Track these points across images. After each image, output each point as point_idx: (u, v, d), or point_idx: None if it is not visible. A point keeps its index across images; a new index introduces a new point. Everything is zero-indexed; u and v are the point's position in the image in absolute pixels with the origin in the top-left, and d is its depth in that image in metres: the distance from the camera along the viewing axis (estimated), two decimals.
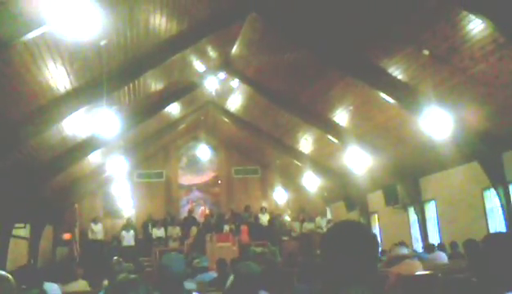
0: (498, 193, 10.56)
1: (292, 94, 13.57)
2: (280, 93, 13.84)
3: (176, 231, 17.61)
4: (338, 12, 9.36)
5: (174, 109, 15.45)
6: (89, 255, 15.47)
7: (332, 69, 11.24)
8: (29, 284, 4.79)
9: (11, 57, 7.03)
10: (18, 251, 12.13)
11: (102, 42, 8.08)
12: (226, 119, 17.46)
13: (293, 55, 11.57)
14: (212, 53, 12.88)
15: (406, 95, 10.36)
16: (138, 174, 19.59)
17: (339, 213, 18.55)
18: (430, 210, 13.77)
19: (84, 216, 17.58)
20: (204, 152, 20.02)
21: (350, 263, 1.61)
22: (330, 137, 14.33)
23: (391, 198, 14.76)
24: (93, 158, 13.97)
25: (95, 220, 16.99)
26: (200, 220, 17.84)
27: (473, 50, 8.25)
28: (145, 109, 13.30)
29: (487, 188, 11.10)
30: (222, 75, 14.04)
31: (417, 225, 14.12)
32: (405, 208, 14.72)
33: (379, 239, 16.32)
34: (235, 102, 16.14)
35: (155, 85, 12.21)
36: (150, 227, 17.79)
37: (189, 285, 5.08)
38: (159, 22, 9.11)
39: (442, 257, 9.90)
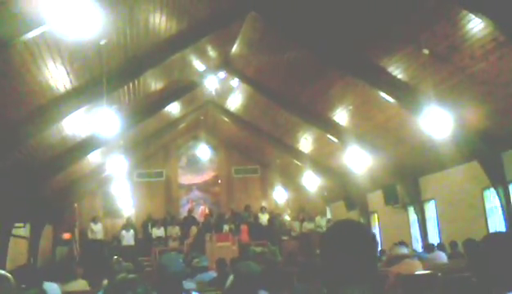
0: (498, 193, 10.55)
1: (292, 93, 13.58)
2: (280, 92, 13.84)
3: (175, 231, 17.62)
4: (338, 12, 9.36)
5: (174, 109, 15.45)
6: (89, 254, 15.45)
7: (332, 68, 11.24)
8: (29, 283, 4.78)
9: (11, 57, 7.02)
10: (18, 250, 12.13)
11: (102, 42, 8.08)
12: (226, 119, 17.46)
13: (293, 54, 11.57)
14: (212, 52, 12.88)
15: (406, 94, 10.36)
16: (138, 173, 19.59)
17: (338, 213, 18.55)
18: (430, 209, 13.77)
19: (84, 216, 17.58)
20: (203, 151, 20.03)
21: (349, 262, 1.61)
22: (329, 137, 14.33)
23: (391, 198, 14.77)
24: (93, 158, 13.96)
25: (94, 220, 16.99)
26: (200, 219, 17.84)
27: (473, 49, 8.25)
28: (145, 109, 13.30)
29: (487, 187, 11.10)
30: (221, 74, 14.05)
31: (417, 225, 14.12)
32: (405, 208, 14.72)
33: (378, 239, 16.34)
34: (235, 101, 16.14)
35: (155, 84, 12.21)
36: (149, 227, 17.81)
37: (188, 284, 5.08)
38: (159, 21, 9.10)
39: (442, 257, 9.91)
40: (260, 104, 15.25)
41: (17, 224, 11.64)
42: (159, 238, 17.35)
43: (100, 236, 16.88)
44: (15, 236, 11.61)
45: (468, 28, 7.87)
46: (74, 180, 14.73)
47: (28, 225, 12.74)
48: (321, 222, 17.97)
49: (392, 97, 10.72)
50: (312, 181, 17.07)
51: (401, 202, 14.55)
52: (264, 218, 18.49)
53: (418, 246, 13.64)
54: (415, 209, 14.12)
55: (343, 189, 17.37)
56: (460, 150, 11.05)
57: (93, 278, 7.83)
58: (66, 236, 16.09)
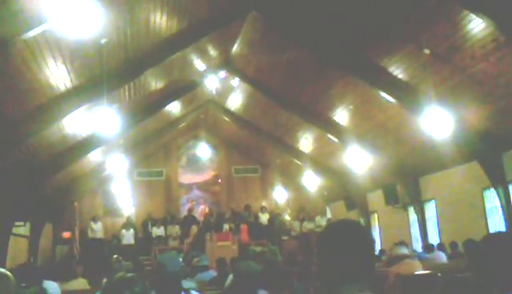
0: (498, 193, 10.56)
1: (292, 93, 13.58)
2: (280, 92, 13.84)
3: (176, 230, 17.63)
4: (338, 11, 9.35)
5: (174, 108, 15.46)
6: (89, 253, 15.46)
7: (332, 68, 11.24)
8: (29, 282, 4.79)
9: (12, 55, 7.02)
10: (18, 249, 12.13)
11: (103, 41, 8.08)
12: (226, 118, 17.46)
13: (293, 54, 11.57)
14: (212, 52, 12.88)
15: (407, 94, 10.35)
16: (138, 172, 19.59)
17: (338, 212, 18.56)
18: (430, 209, 13.77)
19: (84, 215, 17.58)
20: (204, 151, 20.03)
21: (346, 262, 1.61)
22: (330, 136, 14.33)
23: (391, 198, 14.76)
24: (93, 157, 13.97)
25: (94, 219, 17.00)
26: (200, 218, 17.84)
27: (473, 49, 8.25)
28: (146, 108, 13.30)
29: (487, 188, 11.10)
30: (222, 74, 14.05)
31: (417, 225, 14.11)
32: (405, 208, 14.72)
33: (376, 238, 16.36)
34: (236, 101, 16.14)
35: (156, 83, 12.21)
36: (149, 226, 17.81)
37: (188, 284, 5.08)
38: (160, 20, 9.11)
39: (442, 257, 9.91)
40: (260, 104, 15.25)
41: (17, 223, 11.65)
42: (159, 237, 17.36)
43: (100, 235, 16.89)
44: (15, 235, 11.62)
45: (468, 29, 7.87)
46: (75, 179, 14.73)
47: (28, 224, 12.75)
48: (321, 222, 17.97)
49: (393, 97, 10.72)
50: (312, 181, 17.07)
51: (402, 202, 14.54)
52: (264, 218, 18.49)
53: (418, 246, 13.64)
54: (415, 209, 14.12)
55: (343, 188, 17.37)
56: (460, 150, 11.05)
57: (93, 277, 7.84)
58: (66, 235, 16.10)
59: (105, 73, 8.85)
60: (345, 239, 1.67)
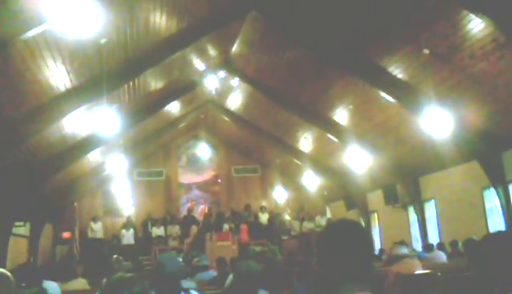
0: (498, 193, 10.56)
1: (292, 93, 13.58)
2: (280, 92, 13.84)
3: (175, 230, 17.63)
4: (338, 11, 9.35)
5: (174, 108, 15.46)
6: (89, 253, 15.47)
7: (332, 67, 11.24)
8: (29, 282, 4.78)
9: (11, 55, 7.02)
10: (18, 249, 12.13)
11: (102, 41, 8.08)
12: (226, 118, 17.46)
13: (293, 54, 11.57)
14: (212, 52, 12.88)
15: (406, 94, 10.36)
16: (138, 172, 19.59)
17: (338, 212, 18.56)
18: (430, 209, 13.77)
19: (84, 215, 17.60)
20: (203, 151, 20.03)
21: (345, 261, 1.62)
22: (329, 136, 14.33)
23: (391, 198, 14.77)
24: (93, 157, 13.97)
25: (94, 219, 17.00)
26: (200, 218, 17.85)
27: (473, 49, 8.25)
28: (145, 108, 13.30)
29: (487, 187, 11.10)
30: (222, 74, 14.05)
31: (417, 225, 14.12)
32: (405, 207, 14.72)
33: (376, 238, 16.37)
34: (235, 101, 16.14)
35: (155, 83, 12.21)
36: (149, 226, 17.81)
37: (188, 283, 5.08)
38: (159, 20, 9.11)
39: (441, 256, 9.91)
40: (260, 104, 15.25)
41: (17, 223, 11.65)
42: (159, 237, 17.36)
43: (100, 235, 16.89)
44: (15, 235, 11.62)
45: (468, 29, 7.87)
46: (74, 179, 14.73)
47: (28, 224, 12.74)
48: (321, 222, 17.98)
49: (393, 97, 10.72)
50: (311, 181, 17.08)
51: (401, 202, 14.55)
52: (264, 217, 18.49)
53: (418, 245, 13.64)
54: (415, 209, 14.12)
55: (343, 188, 17.37)
56: (460, 150, 11.05)
57: (93, 277, 7.84)
58: (66, 235, 16.09)
59: (104, 73, 8.85)
60: (345, 239, 1.67)
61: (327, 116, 13.56)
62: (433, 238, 12.98)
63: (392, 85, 10.35)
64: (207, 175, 20.58)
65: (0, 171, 9.36)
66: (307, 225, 18.17)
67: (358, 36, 9.76)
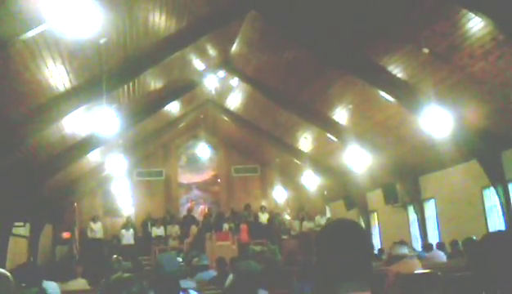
0: (497, 192, 10.56)
1: (291, 92, 13.58)
2: (279, 92, 13.84)
3: (175, 230, 17.64)
4: (337, 11, 9.35)
5: (174, 108, 15.45)
6: (88, 253, 15.47)
7: (331, 67, 11.24)
8: (29, 282, 4.78)
9: (11, 56, 7.02)
10: (18, 249, 12.13)
11: (102, 41, 8.07)
12: (225, 118, 17.46)
13: (292, 53, 11.57)
14: (211, 51, 12.87)
15: (406, 93, 10.36)
16: (138, 172, 19.59)
17: (338, 212, 18.56)
18: (430, 208, 13.78)
19: (84, 215, 17.60)
20: (203, 150, 20.01)
21: (343, 260, 1.62)
22: (329, 136, 14.33)
23: (390, 197, 14.77)
24: (93, 157, 13.96)
25: (94, 219, 17.01)
26: (200, 218, 17.85)
27: (472, 48, 8.25)
28: (145, 108, 13.30)
29: (487, 186, 11.11)
30: (221, 73, 14.04)
31: (416, 224, 14.12)
32: (404, 207, 14.72)
33: (375, 237, 16.37)
34: (235, 101, 16.14)
35: (155, 83, 12.20)
36: (149, 226, 17.81)
37: (188, 283, 5.08)
38: (159, 20, 9.10)
39: (441, 256, 9.91)
40: (260, 104, 15.25)
41: (17, 224, 11.64)
42: (158, 237, 17.37)
43: (99, 235, 16.90)
44: (15, 235, 11.62)
45: (467, 28, 7.87)
46: (74, 180, 14.73)
47: (28, 224, 12.74)
48: (321, 221, 17.98)
49: (392, 96, 10.72)
50: (311, 180, 17.08)
51: (401, 201, 14.55)
52: (264, 217, 18.50)
53: (418, 245, 13.64)
54: (414, 208, 14.13)
55: (342, 188, 17.38)
56: (459, 149, 11.06)
57: (93, 277, 7.84)
58: (66, 235, 16.10)
59: (104, 73, 8.85)
60: (343, 238, 1.68)
61: (327, 115, 13.56)
62: (433, 238, 12.99)
63: (392, 84, 10.36)
64: (207, 175, 20.58)
65: (0, 171, 9.35)
66: (307, 225, 18.18)
67: (357, 35, 9.76)
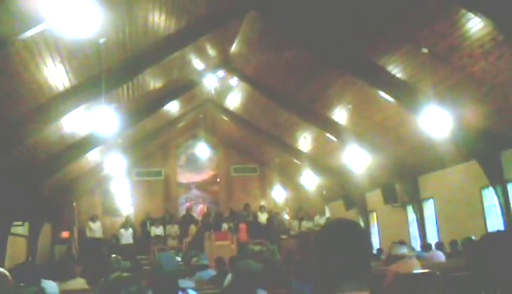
0: (496, 192, 10.57)
1: (291, 92, 13.57)
2: (279, 91, 13.84)
3: (174, 229, 17.64)
4: (337, 11, 9.35)
5: (173, 108, 15.45)
6: (87, 253, 15.46)
7: (331, 67, 11.24)
8: (27, 282, 4.78)
9: (10, 55, 7.01)
10: (16, 248, 12.12)
11: (101, 40, 8.07)
12: (225, 117, 17.46)
13: (292, 53, 11.57)
14: (211, 51, 12.87)
15: (405, 93, 10.36)
16: (137, 172, 19.58)
17: (337, 211, 18.56)
18: (429, 208, 13.79)
19: (83, 214, 17.58)
20: (202, 150, 20.00)
21: (342, 260, 1.62)
22: (328, 136, 14.33)
23: (390, 197, 14.77)
24: (92, 156, 13.96)
25: (93, 219, 17.00)
26: (199, 218, 17.84)
27: (472, 48, 8.25)
28: (144, 107, 13.29)
29: (486, 186, 11.11)
30: (221, 73, 14.04)
31: (415, 224, 14.13)
32: (403, 207, 14.73)
33: (374, 237, 16.37)
34: (234, 100, 16.14)
35: (154, 83, 12.20)
36: (148, 225, 17.80)
37: (187, 283, 5.08)
38: (158, 20, 9.10)
39: (439, 256, 9.92)
40: (259, 103, 15.25)
41: (16, 223, 11.64)
42: (157, 236, 17.37)
43: (98, 234, 16.90)
44: (13, 234, 11.61)
45: (467, 28, 7.87)
46: (73, 179, 14.72)
47: (26, 224, 12.73)
48: (320, 221, 17.99)
49: (392, 96, 10.72)
50: (310, 180, 17.09)
51: (400, 201, 14.56)
52: (263, 217, 18.51)
53: (417, 245, 13.65)
54: (413, 208, 14.13)
55: (341, 188, 17.38)
56: (458, 149, 11.06)
57: (92, 277, 7.82)
58: (65, 234, 16.09)
59: (103, 72, 8.84)
60: (342, 238, 1.68)
61: (326, 115, 13.56)
62: (432, 238, 13.00)
63: (391, 84, 10.36)
64: (206, 174, 20.58)
65: None
66: (306, 225, 18.19)
67: (357, 35, 9.76)
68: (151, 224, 17.75)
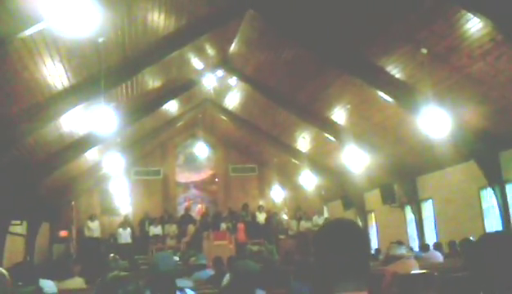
0: (495, 193, 10.58)
1: (290, 92, 13.57)
2: (278, 91, 13.84)
3: (173, 229, 17.63)
4: (336, 10, 9.35)
5: (172, 107, 15.44)
6: (86, 252, 15.45)
7: (330, 67, 11.23)
8: (25, 281, 4.77)
9: (9, 54, 7.00)
10: (14, 247, 12.11)
11: (100, 39, 8.07)
12: (223, 117, 17.45)
13: (291, 53, 11.57)
14: (210, 51, 12.86)
15: (404, 93, 10.36)
16: (135, 171, 19.57)
17: (336, 212, 18.57)
18: (427, 209, 13.79)
19: (81, 214, 17.57)
20: (201, 150, 19.99)
21: (341, 260, 1.62)
22: (327, 136, 14.34)
23: (388, 197, 14.78)
24: (90, 156, 13.95)
25: (91, 218, 16.98)
26: (197, 218, 17.84)
27: (471, 48, 8.26)
28: (143, 107, 13.28)
29: (484, 187, 11.13)
30: (220, 73, 14.02)
31: (414, 224, 14.14)
32: (402, 207, 14.73)
33: (373, 237, 16.38)
34: (233, 100, 16.13)
35: (153, 82, 12.19)
36: (147, 225, 17.79)
37: (185, 283, 5.08)
38: (158, 19, 9.09)
39: (437, 256, 9.92)
40: (258, 103, 15.25)
41: (14, 222, 11.63)
42: (156, 236, 17.35)
43: (97, 234, 16.87)
44: (11, 233, 11.60)
45: (466, 28, 7.88)
46: (72, 178, 14.71)
47: (25, 223, 12.72)
48: (319, 221, 17.97)
49: (390, 96, 10.73)
50: (309, 180, 17.08)
51: (399, 202, 14.56)
52: (261, 217, 18.50)
53: (415, 245, 13.65)
54: (412, 208, 14.14)
55: (340, 188, 17.39)
56: (457, 150, 11.07)
57: (90, 276, 7.81)
58: (63, 234, 16.08)
59: (102, 71, 8.84)
60: (341, 238, 1.67)
61: (325, 115, 13.56)
62: (430, 238, 13.00)
63: (390, 84, 10.36)
64: (204, 174, 20.57)
65: None
66: (305, 225, 18.18)
67: (356, 35, 9.76)
68: (150, 224, 17.73)
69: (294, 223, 18.67)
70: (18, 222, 11.97)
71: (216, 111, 17.46)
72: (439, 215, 13.09)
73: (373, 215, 16.79)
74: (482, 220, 11.30)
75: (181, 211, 19.10)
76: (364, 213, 16.85)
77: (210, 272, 7.84)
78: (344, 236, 1.68)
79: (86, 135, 11.82)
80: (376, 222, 16.60)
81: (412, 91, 10.09)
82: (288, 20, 10.31)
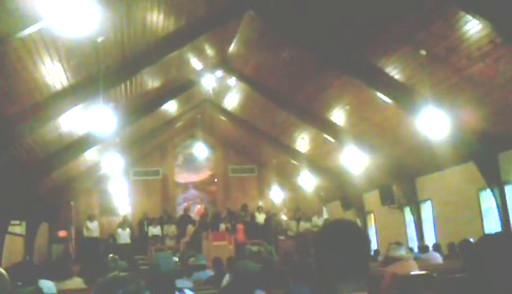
0: (494, 194, 10.59)
1: (289, 93, 13.58)
2: (277, 92, 13.84)
3: (172, 229, 17.62)
4: (335, 11, 9.36)
5: (171, 107, 15.43)
6: (85, 252, 15.44)
7: (329, 68, 11.24)
8: (24, 281, 4.76)
9: (7, 53, 7.00)
10: (14, 248, 12.10)
11: (99, 39, 8.06)
12: (223, 118, 17.44)
13: (290, 53, 11.57)
14: (209, 51, 12.86)
15: (403, 94, 10.37)
16: (134, 172, 19.54)
17: (335, 212, 18.56)
18: (426, 210, 13.80)
19: (80, 214, 17.55)
20: (200, 150, 19.97)
21: (341, 261, 1.62)
22: (326, 136, 14.34)
23: (387, 198, 14.78)
24: (89, 156, 13.93)
25: (90, 218, 16.98)
26: (196, 218, 17.82)
27: (470, 50, 8.27)
28: (142, 107, 13.27)
29: (483, 188, 11.13)
30: (219, 73, 14.02)
31: (413, 225, 14.14)
32: (401, 208, 14.74)
33: (372, 238, 16.37)
34: (232, 100, 16.13)
35: (152, 82, 12.19)
36: (146, 225, 17.78)
37: (184, 283, 5.08)
38: (157, 19, 9.09)
39: (436, 257, 9.92)
40: (257, 104, 15.24)
41: (13, 222, 11.63)
42: (155, 236, 17.34)
43: (96, 234, 16.87)
44: (11, 233, 11.59)
45: (465, 30, 7.89)
46: (71, 178, 14.69)
47: (24, 223, 12.72)
48: (318, 222, 17.98)
49: (390, 97, 10.73)
50: (308, 181, 17.08)
51: (398, 203, 14.56)
52: (261, 217, 18.49)
53: (414, 246, 13.65)
54: (411, 209, 14.14)
55: (339, 188, 17.39)
56: (456, 151, 11.07)
57: (89, 276, 7.80)
58: (62, 234, 16.06)
59: (101, 71, 8.84)
60: (341, 239, 1.67)
61: (324, 116, 13.57)
62: (430, 239, 13.00)
63: (389, 85, 10.37)
64: (203, 174, 20.56)
65: None
66: (304, 225, 18.17)
67: (356, 36, 9.77)
68: (149, 224, 17.72)
69: (293, 224, 18.67)
70: (17, 222, 11.97)
71: (215, 111, 17.45)
72: (438, 216, 13.09)
73: (372, 216, 16.79)
74: (481, 222, 11.31)
75: (180, 211, 19.09)
76: (363, 214, 16.86)
77: (210, 272, 7.84)
78: (344, 237, 1.68)
79: (85, 135, 11.81)
80: (375, 223, 16.60)
81: (411, 92, 10.10)
82: (287, 21, 10.32)
